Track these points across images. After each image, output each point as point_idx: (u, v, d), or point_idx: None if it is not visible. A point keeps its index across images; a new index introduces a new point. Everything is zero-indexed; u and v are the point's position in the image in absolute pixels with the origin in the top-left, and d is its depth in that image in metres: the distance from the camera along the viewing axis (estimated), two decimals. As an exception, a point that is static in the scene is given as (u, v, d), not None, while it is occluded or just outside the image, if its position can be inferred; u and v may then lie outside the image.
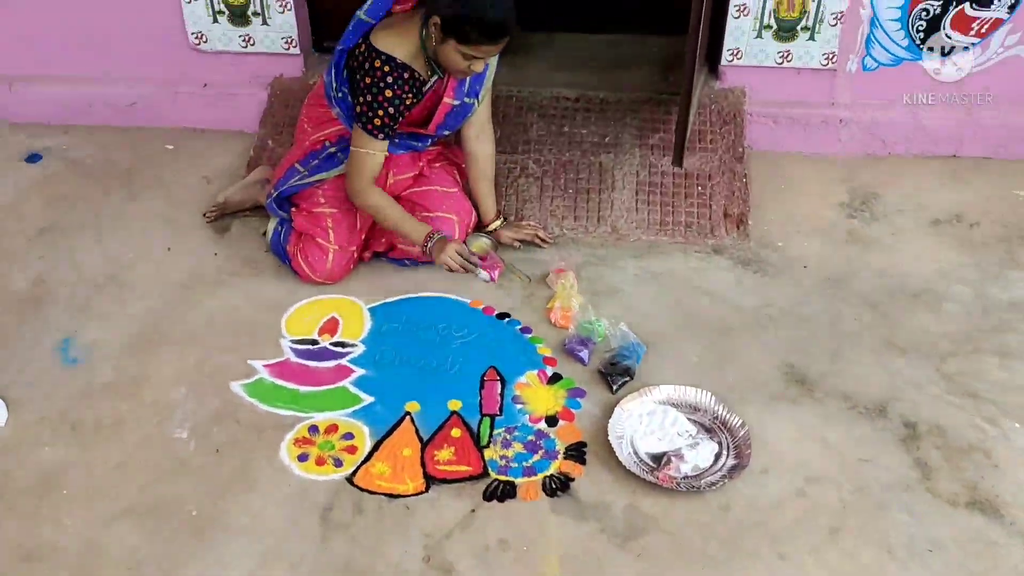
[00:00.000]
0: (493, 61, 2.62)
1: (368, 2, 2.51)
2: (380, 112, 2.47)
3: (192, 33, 3.28)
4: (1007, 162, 3.26)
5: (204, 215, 3.00)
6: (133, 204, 3.10)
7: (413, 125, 2.66)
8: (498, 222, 2.88)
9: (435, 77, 2.56)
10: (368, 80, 2.45)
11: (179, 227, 3.00)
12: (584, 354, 2.52)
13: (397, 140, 2.66)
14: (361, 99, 2.48)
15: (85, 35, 3.33)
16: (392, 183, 2.75)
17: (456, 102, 2.63)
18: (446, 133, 2.74)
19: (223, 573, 2.03)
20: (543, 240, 2.88)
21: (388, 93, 2.45)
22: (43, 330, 2.63)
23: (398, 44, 2.45)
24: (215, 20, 3.25)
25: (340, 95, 2.60)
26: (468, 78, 2.58)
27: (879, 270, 2.83)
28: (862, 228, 2.99)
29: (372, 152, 2.55)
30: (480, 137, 2.77)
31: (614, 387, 2.43)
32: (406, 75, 2.46)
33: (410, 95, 2.49)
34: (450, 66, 2.46)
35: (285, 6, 3.20)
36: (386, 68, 2.43)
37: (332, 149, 2.69)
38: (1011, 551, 2.06)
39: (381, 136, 2.52)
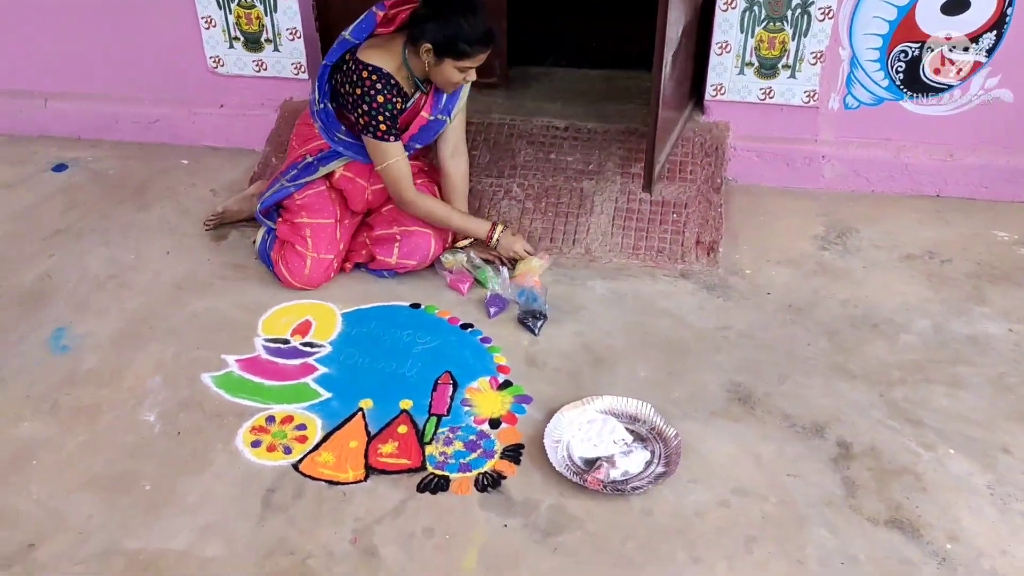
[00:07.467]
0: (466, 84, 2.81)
1: (353, 24, 2.74)
2: (380, 117, 2.69)
3: (210, 57, 3.52)
4: (990, 203, 3.29)
5: (204, 223, 3.19)
6: (143, 213, 3.32)
7: None
8: (468, 240, 3.01)
9: (417, 93, 2.78)
10: (359, 91, 2.68)
11: (181, 234, 3.20)
12: (492, 311, 2.81)
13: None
14: (359, 111, 2.70)
15: (114, 57, 3.59)
16: (370, 196, 2.91)
17: (431, 117, 2.82)
18: (417, 147, 2.90)
19: (163, 544, 2.17)
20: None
21: (380, 99, 2.68)
22: (41, 321, 2.83)
23: (383, 59, 2.69)
24: (231, 46, 3.48)
25: (321, 107, 2.81)
26: (443, 97, 2.79)
27: (843, 300, 2.88)
28: (833, 260, 3.05)
29: (394, 159, 2.76)
30: (454, 155, 2.95)
31: (536, 330, 2.73)
32: (392, 82, 2.69)
33: (399, 99, 2.72)
34: (446, 82, 2.70)
35: (295, 34, 3.42)
36: (374, 77, 2.67)
37: (310, 159, 2.88)
38: (923, 570, 2.08)
39: (392, 138, 2.74)
